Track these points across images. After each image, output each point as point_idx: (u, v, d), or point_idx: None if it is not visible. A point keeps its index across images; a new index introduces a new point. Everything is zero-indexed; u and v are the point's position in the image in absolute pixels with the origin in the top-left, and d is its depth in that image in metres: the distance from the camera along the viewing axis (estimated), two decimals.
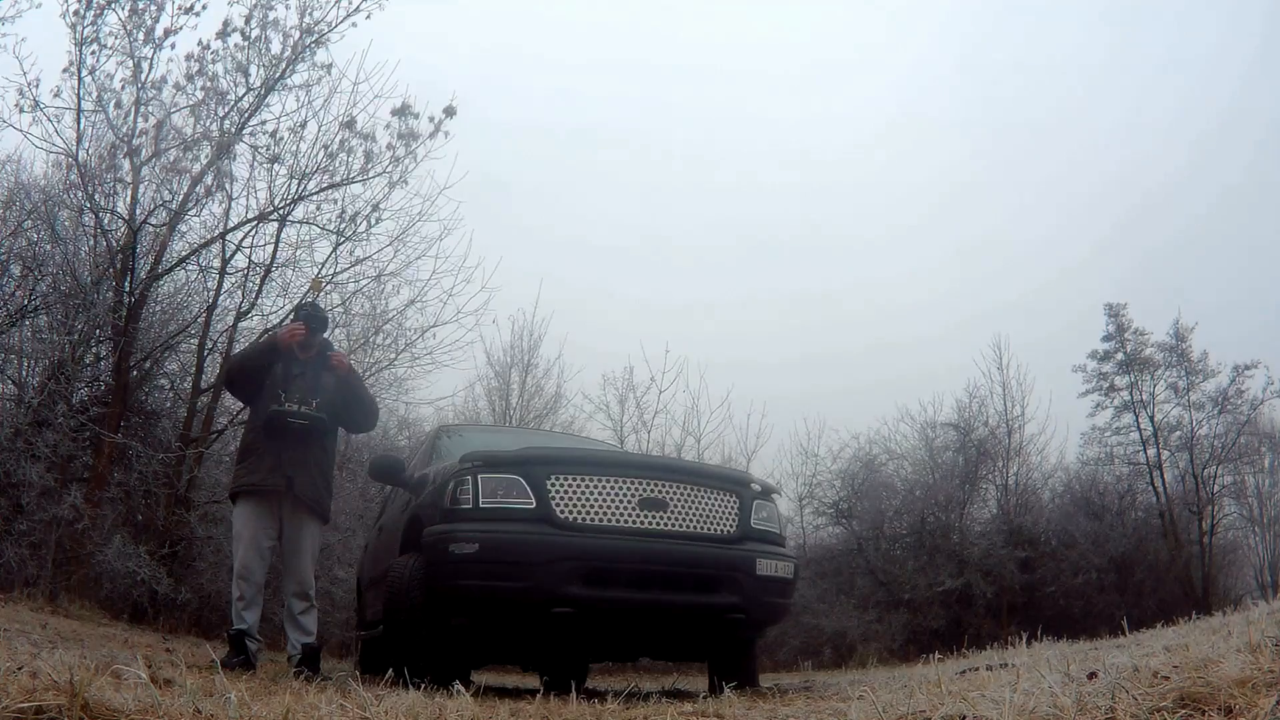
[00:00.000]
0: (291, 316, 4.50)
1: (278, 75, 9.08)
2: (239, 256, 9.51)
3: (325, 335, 4.55)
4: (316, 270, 9.49)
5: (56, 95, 8.74)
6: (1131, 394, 15.20)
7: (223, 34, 8.93)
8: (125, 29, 8.88)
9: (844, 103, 34.81)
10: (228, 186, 9.13)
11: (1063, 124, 32.21)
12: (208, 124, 8.95)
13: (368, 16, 9.05)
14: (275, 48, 9.07)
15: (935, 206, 32.07)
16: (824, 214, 32.21)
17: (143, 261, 8.93)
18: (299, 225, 9.47)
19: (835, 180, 34.27)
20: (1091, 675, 1.95)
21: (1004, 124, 33.77)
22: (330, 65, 9.17)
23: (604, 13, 36.47)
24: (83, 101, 8.78)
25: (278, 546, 4.51)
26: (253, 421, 4.57)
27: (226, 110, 9.00)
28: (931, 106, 34.98)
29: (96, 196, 8.82)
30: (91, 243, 9.05)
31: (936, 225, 31.81)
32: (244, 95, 9.05)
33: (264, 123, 9.18)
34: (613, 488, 3.76)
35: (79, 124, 8.84)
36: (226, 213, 9.28)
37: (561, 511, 3.66)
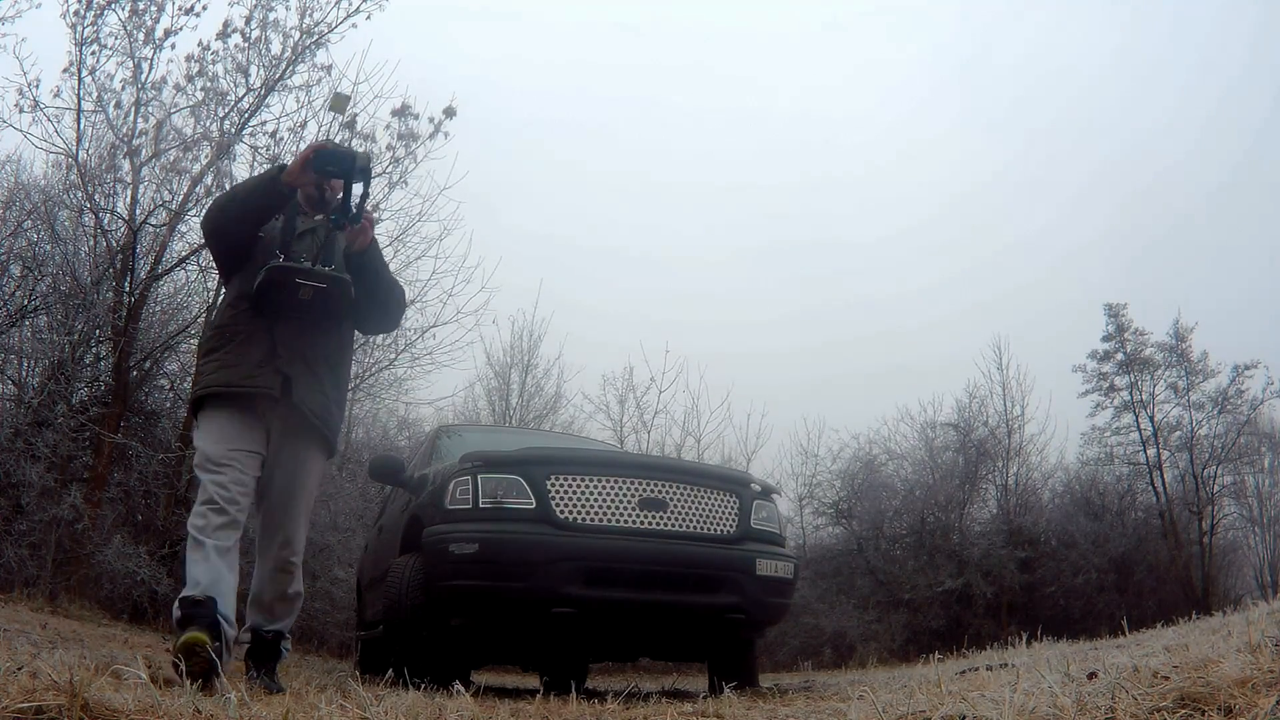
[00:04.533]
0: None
1: (278, 76, 9.08)
2: None
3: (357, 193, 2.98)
4: None
5: (56, 95, 8.75)
6: (1131, 394, 15.22)
7: (223, 34, 8.93)
8: (125, 29, 8.89)
9: (845, 102, 34.84)
10: (228, 186, 9.14)
11: (1063, 122, 32.21)
12: (208, 124, 8.95)
13: (368, 17, 9.04)
14: (275, 48, 9.07)
15: (936, 204, 32.07)
16: (825, 211, 32.20)
17: (143, 261, 8.93)
18: None
19: (836, 179, 34.28)
20: (1091, 675, 1.95)
21: (1004, 123, 33.77)
22: (330, 66, 9.16)
23: (601, 11, 36.50)
24: (83, 102, 8.78)
25: (259, 486, 3.04)
26: (231, 298, 3.07)
27: (226, 111, 9.00)
28: (933, 107, 35.00)
29: (96, 196, 8.83)
30: (91, 243, 9.06)
31: (937, 221, 31.82)
32: (244, 96, 9.05)
33: (264, 123, 9.18)
34: (613, 488, 3.76)
35: (79, 124, 8.84)
36: None
37: (561, 512, 3.66)
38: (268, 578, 3.05)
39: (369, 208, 3.00)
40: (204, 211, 3.57)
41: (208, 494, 2.81)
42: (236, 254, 3.04)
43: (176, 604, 2.68)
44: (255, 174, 4.14)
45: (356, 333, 3.38)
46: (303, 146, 9.05)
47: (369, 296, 3.09)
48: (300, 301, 2.87)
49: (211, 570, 2.69)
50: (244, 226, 2.97)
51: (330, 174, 2.88)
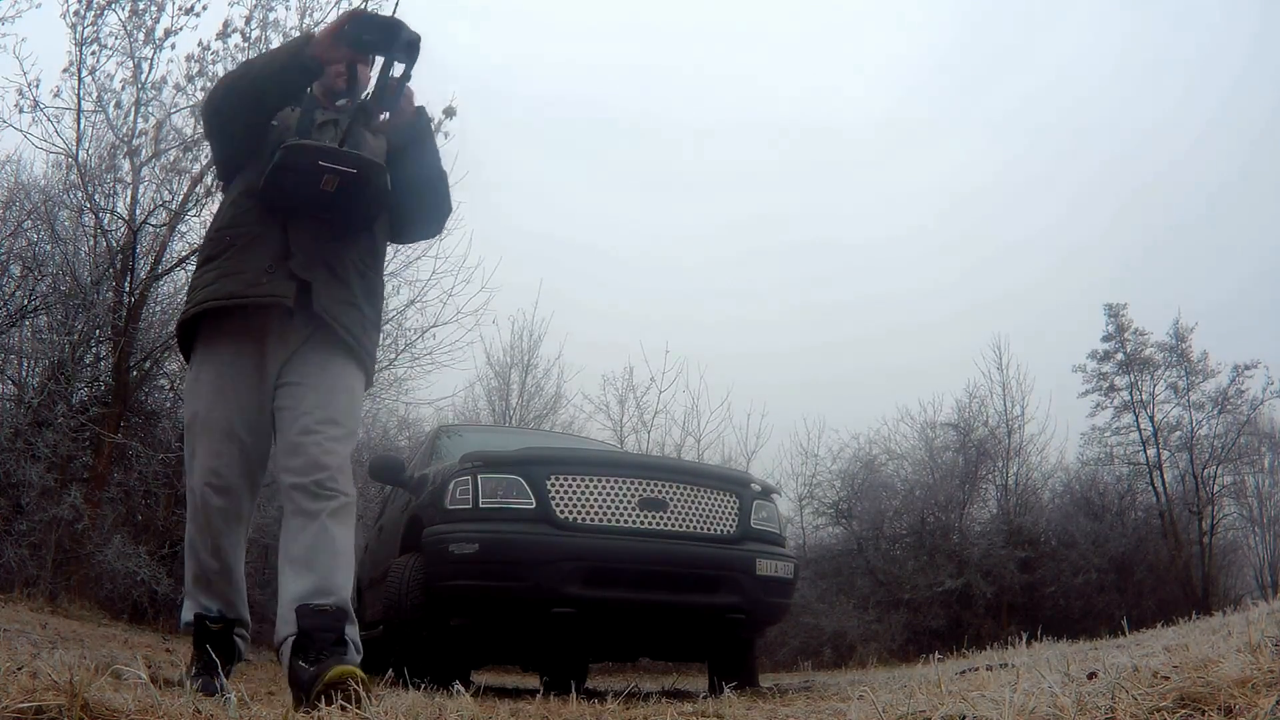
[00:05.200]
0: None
1: None
2: None
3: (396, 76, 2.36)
4: None
5: (56, 95, 8.77)
6: (1131, 394, 15.22)
7: (223, 35, 8.94)
8: (125, 29, 8.90)
9: (846, 102, 34.85)
10: None
11: (1063, 122, 32.24)
12: None
13: None
14: None
15: (937, 204, 32.08)
16: (826, 211, 32.22)
17: (143, 261, 8.94)
18: None
19: (836, 179, 34.31)
20: (1091, 675, 1.95)
21: (1005, 124, 33.79)
22: None
23: (604, 10, 36.53)
24: (83, 102, 8.80)
25: (269, 434, 2.36)
26: (234, 195, 2.43)
27: None
28: (934, 107, 35.02)
29: (96, 196, 8.84)
30: (91, 243, 9.07)
31: (938, 221, 31.83)
32: None
33: None
34: (613, 488, 3.76)
35: (79, 124, 8.86)
36: None
37: (561, 512, 3.66)
38: (299, 511, 2.17)
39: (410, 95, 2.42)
40: (208, 92, 2.79)
41: (196, 484, 2.33)
42: (242, 145, 2.41)
43: (191, 617, 2.40)
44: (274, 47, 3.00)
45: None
46: None
47: (410, 189, 2.45)
48: (321, 193, 2.24)
49: (207, 584, 2.36)
50: (257, 109, 2.34)
51: (367, 46, 2.29)
